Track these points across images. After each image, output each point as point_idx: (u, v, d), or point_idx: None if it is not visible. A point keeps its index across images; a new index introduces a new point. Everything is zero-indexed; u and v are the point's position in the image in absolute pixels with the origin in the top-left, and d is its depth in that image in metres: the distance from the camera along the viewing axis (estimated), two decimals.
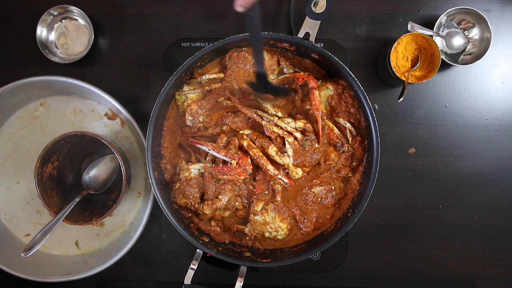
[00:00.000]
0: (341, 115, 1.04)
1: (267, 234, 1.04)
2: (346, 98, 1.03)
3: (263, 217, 1.02)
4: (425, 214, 1.15)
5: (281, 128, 1.01)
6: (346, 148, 1.03)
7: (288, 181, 1.02)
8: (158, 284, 1.18)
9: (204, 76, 1.04)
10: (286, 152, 1.02)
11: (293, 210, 1.05)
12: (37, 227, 1.16)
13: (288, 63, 1.05)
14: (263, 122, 1.01)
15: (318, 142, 1.01)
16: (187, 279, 0.99)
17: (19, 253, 0.99)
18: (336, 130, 1.03)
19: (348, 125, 1.02)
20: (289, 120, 1.02)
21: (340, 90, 1.03)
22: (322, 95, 1.03)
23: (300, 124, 1.02)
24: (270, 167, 1.01)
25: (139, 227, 1.11)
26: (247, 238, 1.06)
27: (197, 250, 1.01)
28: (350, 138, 1.03)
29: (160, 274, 1.18)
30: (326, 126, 1.03)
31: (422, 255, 1.16)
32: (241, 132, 1.03)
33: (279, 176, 1.01)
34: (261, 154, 1.01)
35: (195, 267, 0.99)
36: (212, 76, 1.04)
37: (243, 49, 1.04)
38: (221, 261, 0.99)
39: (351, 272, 1.16)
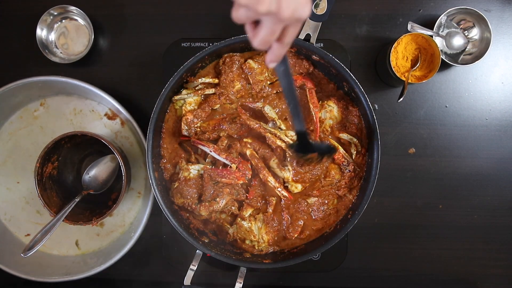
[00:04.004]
0: (345, 129, 1.03)
1: (247, 242, 1.03)
2: (349, 109, 1.03)
3: (249, 224, 1.02)
4: (425, 214, 1.15)
5: (284, 141, 1.00)
6: (352, 167, 1.03)
7: (287, 195, 1.02)
8: (158, 284, 1.18)
9: (200, 80, 1.04)
10: (287, 166, 1.02)
11: (282, 214, 1.05)
12: (37, 227, 1.16)
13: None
14: (267, 135, 1.00)
15: (315, 138, 1.01)
16: (187, 280, 0.99)
17: (19, 253, 0.99)
18: (341, 150, 1.02)
19: (354, 140, 1.02)
20: (292, 133, 1.01)
21: (342, 104, 1.03)
22: (326, 114, 1.03)
23: None
24: (271, 179, 1.00)
25: (139, 227, 1.11)
26: (227, 237, 1.05)
27: (197, 250, 1.01)
28: (355, 153, 1.03)
29: (160, 274, 1.18)
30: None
31: (422, 255, 1.16)
32: (245, 140, 1.02)
33: (279, 189, 1.01)
34: (263, 165, 1.01)
35: (195, 268, 0.99)
36: (207, 80, 1.03)
37: (236, 54, 1.04)
38: (221, 261, 0.99)
39: (351, 272, 1.16)
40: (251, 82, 1.03)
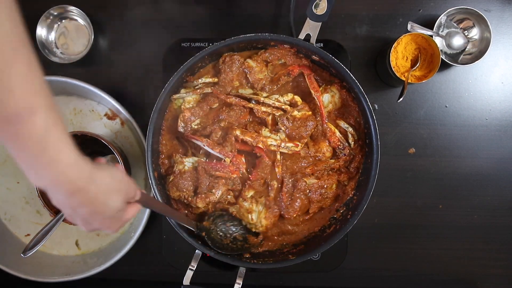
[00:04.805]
0: (343, 118, 1.04)
1: (243, 223, 1.04)
2: (348, 100, 1.03)
3: (250, 205, 1.02)
4: (425, 214, 1.15)
5: (269, 105, 1.00)
6: (348, 151, 1.03)
7: (293, 144, 1.01)
8: (158, 284, 1.18)
9: (200, 80, 1.04)
10: (280, 128, 1.01)
11: (280, 195, 1.05)
12: (37, 227, 1.16)
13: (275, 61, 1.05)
14: (250, 105, 1.01)
15: (323, 124, 1.01)
16: (186, 280, 0.99)
17: (19, 253, 0.99)
18: (337, 133, 1.02)
19: (350, 129, 1.02)
20: (276, 96, 1.02)
21: (344, 93, 1.03)
22: (327, 99, 1.03)
23: (287, 97, 1.01)
24: (271, 141, 1.00)
25: (139, 227, 1.11)
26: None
27: (196, 250, 1.01)
28: (352, 143, 1.03)
29: (159, 274, 1.18)
30: (328, 129, 1.02)
31: (422, 255, 1.16)
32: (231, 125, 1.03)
33: (282, 145, 1.00)
34: (257, 134, 1.01)
35: (194, 268, 0.99)
36: (207, 80, 1.04)
37: (235, 53, 1.04)
38: (220, 261, 0.99)
39: (351, 272, 1.16)
40: (250, 80, 1.04)
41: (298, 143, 1.01)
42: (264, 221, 1.03)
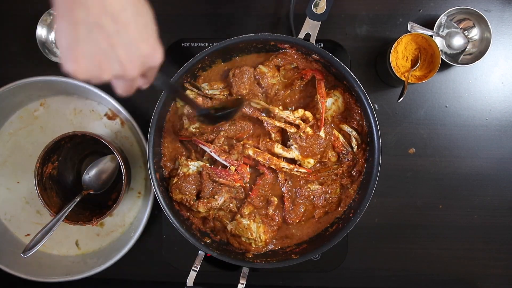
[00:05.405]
0: (346, 121, 1.04)
1: (243, 239, 1.04)
2: (351, 103, 1.03)
3: (248, 222, 1.02)
4: (425, 214, 1.15)
5: (282, 118, 1.00)
6: (351, 156, 1.03)
7: (306, 170, 1.02)
8: (158, 285, 1.18)
9: (205, 85, 1.04)
10: (292, 145, 1.01)
11: (283, 197, 1.05)
12: (37, 227, 1.16)
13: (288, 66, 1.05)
14: (264, 118, 1.01)
15: (319, 129, 1.01)
16: (189, 281, 0.99)
17: (19, 253, 1.00)
18: (341, 138, 1.03)
19: (354, 133, 1.02)
20: (287, 112, 1.02)
21: (347, 97, 1.03)
22: (330, 103, 1.03)
23: (298, 114, 1.01)
24: (284, 164, 1.00)
25: (139, 227, 1.11)
26: (225, 232, 1.05)
27: (199, 251, 1.01)
28: (356, 146, 1.03)
29: (160, 274, 1.18)
30: (332, 133, 1.02)
31: (422, 255, 1.16)
32: (243, 142, 1.03)
33: (296, 169, 1.01)
34: (270, 156, 1.00)
35: (197, 269, 0.99)
36: (216, 92, 1.03)
37: (244, 66, 1.04)
38: (222, 262, 0.99)
39: (351, 272, 1.16)
40: (263, 86, 1.03)
41: (310, 166, 1.02)
42: (263, 236, 1.03)
